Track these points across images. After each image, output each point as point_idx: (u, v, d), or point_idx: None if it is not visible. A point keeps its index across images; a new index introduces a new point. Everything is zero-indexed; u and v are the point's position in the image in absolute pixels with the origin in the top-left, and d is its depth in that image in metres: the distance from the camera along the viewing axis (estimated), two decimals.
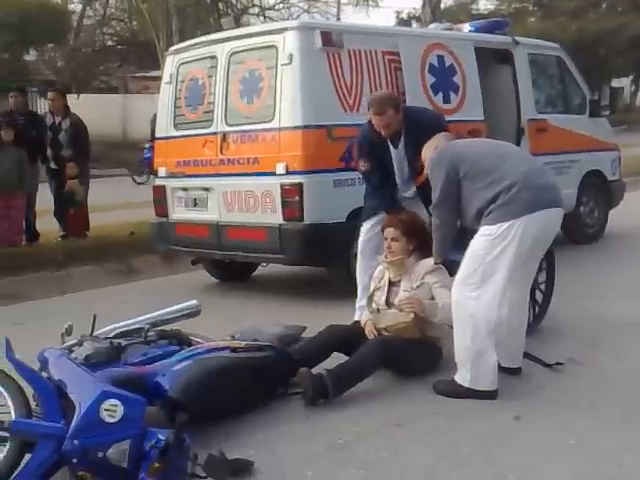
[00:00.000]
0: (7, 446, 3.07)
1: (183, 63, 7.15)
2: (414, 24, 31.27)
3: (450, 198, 4.23)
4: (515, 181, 4.02)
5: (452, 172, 4.18)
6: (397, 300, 4.53)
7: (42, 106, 11.74)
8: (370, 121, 5.27)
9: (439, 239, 4.39)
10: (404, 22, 33.92)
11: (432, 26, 8.90)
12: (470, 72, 7.26)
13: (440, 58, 7.06)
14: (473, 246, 4.09)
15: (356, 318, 5.12)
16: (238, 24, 17.21)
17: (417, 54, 6.87)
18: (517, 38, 8.12)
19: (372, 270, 5.10)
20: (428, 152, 4.49)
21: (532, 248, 4.10)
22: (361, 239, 5.47)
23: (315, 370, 4.20)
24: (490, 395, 4.09)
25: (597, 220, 8.95)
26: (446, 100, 7.03)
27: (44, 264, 8.12)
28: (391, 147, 5.29)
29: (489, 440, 3.63)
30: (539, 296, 5.30)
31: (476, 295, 4.04)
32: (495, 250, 4.00)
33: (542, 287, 5.32)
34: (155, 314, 4.47)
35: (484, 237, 4.04)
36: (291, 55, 6.13)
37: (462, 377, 4.14)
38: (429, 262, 4.51)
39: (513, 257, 4.01)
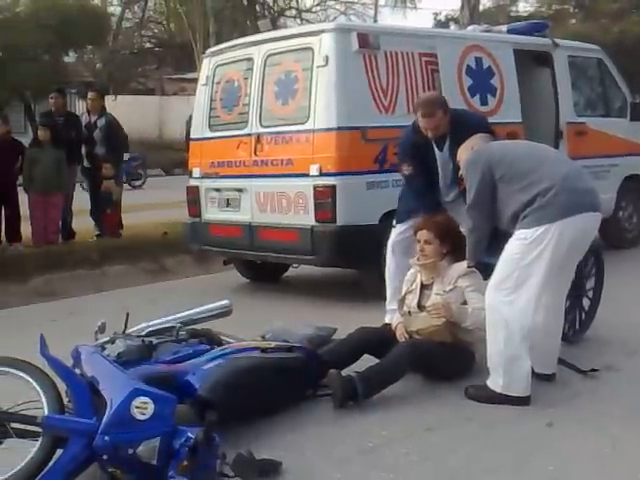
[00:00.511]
0: (40, 441, 3.10)
1: (219, 65, 7.19)
2: (452, 26, 31.06)
3: (485, 200, 4.18)
4: (553, 184, 3.96)
5: (488, 174, 4.13)
6: (429, 303, 4.49)
7: (80, 107, 11.91)
8: (414, 123, 5.18)
9: (473, 241, 4.34)
10: (442, 24, 33.71)
11: (470, 28, 8.84)
12: (508, 74, 7.20)
13: (478, 60, 7.01)
14: (508, 250, 4.04)
15: (386, 321, 5.09)
16: (275, 26, 17.29)
17: (455, 56, 6.83)
18: (557, 40, 8.03)
19: (402, 273, 5.08)
20: (464, 153, 4.44)
21: (568, 253, 4.03)
22: (392, 241, 5.44)
23: (345, 372, 4.17)
24: (523, 401, 4.03)
25: (636, 225, 8.83)
26: (483, 102, 6.98)
27: (79, 262, 8.22)
28: (436, 150, 5.18)
29: (521, 447, 3.59)
30: (586, 303, 5.22)
31: (510, 300, 3.99)
32: (531, 254, 3.94)
33: (590, 294, 5.24)
34: (186, 313, 4.49)
35: (519, 241, 3.99)
36: (327, 57, 6.13)
37: (495, 382, 4.09)
38: (462, 265, 4.46)
39: (549, 262, 3.95)
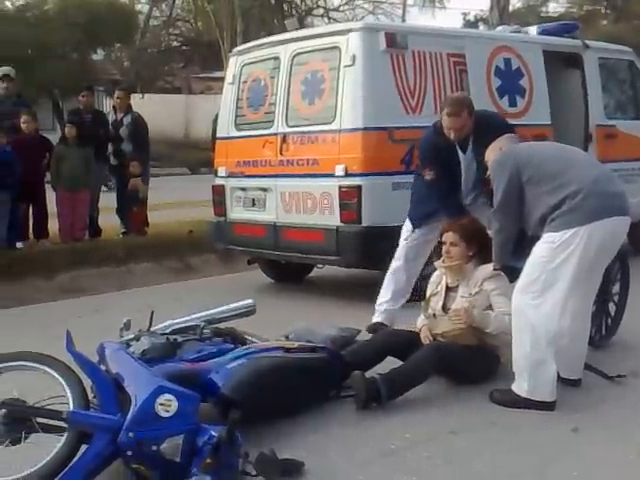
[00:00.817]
0: (65, 436, 3.12)
1: (246, 64, 7.20)
2: (481, 26, 30.90)
3: (512, 202, 4.14)
4: (581, 187, 3.91)
5: (515, 175, 4.09)
6: (454, 306, 4.47)
7: (107, 105, 12.02)
8: (436, 124, 5.13)
9: (499, 244, 4.30)
10: (471, 24, 33.53)
11: (499, 28, 8.78)
12: (537, 76, 7.15)
13: (507, 61, 6.97)
14: (535, 253, 4.01)
15: (374, 320, 5.19)
16: (302, 25, 17.29)
17: (483, 56, 6.79)
18: (587, 42, 7.96)
19: (409, 278, 5.25)
20: (492, 154, 4.41)
21: (596, 257, 3.98)
22: (406, 246, 5.44)
23: (368, 374, 4.15)
24: (548, 406, 4.00)
25: None
26: (512, 103, 6.93)
27: (105, 260, 8.27)
28: (459, 152, 5.10)
29: (546, 452, 3.56)
30: (612, 308, 5.17)
31: (537, 303, 3.96)
32: (558, 258, 3.91)
33: (615, 299, 5.19)
34: (211, 312, 4.49)
35: (547, 244, 3.95)
36: (354, 56, 6.12)
37: (520, 386, 4.06)
38: (488, 268, 4.43)
39: (576, 266, 3.91)
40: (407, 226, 5.51)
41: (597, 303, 4.69)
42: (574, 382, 4.32)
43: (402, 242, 5.50)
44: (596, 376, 4.45)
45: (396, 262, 5.48)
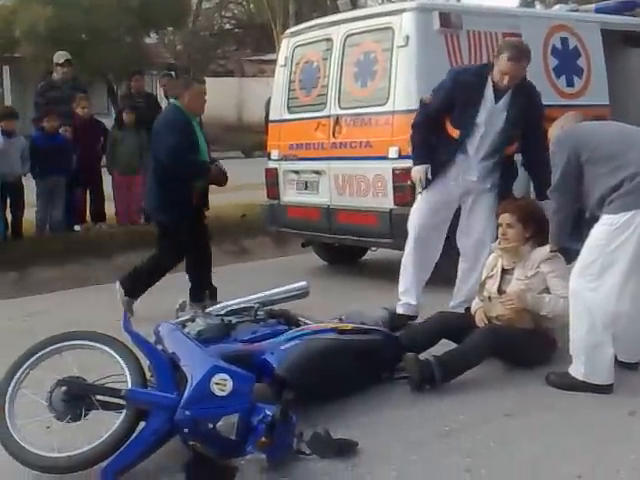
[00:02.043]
0: (123, 413, 3.19)
1: (298, 46, 7.19)
2: (537, 5, 30.30)
3: (570, 182, 4.06)
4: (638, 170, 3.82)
5: (573, 156, 4.02)
6: (509, 289, 4.42)
7: (161, 89, 12.22)
8: (476, 68, 5.13)
9: (555, 225, 4.24)
10: (527, 3, 32.88)
11: (556, 7, 8.58)
12: (595, 55, 6.99)
13: (564, 40, 6.83)
14: (593, 235, 3.94)
15: (400, 312, 5.10)
16: (355, 6, 17.14)
17: (540, 36, 6.66)
18: None
19: (425, 266, 5.16)
20: (554, 131, 4.33)
21: None
22: (419, 222, 5.22)
23: (422, 356, 4.15)
24: (605, 389, 3.94)
25: None
26: (569, 83, 6.80)
27: None
28: (489, 100, 4.97)
29: (602, 435, 3.52)
30: None
31: (594, 286, 3.90)
32: (616, 241, 3.83)
33: None
34: (265, 294, 4.54)
35: (605, 226, 3.88)
36: (407, 37, 6.06)
37: (576, 370, 4.01)
38: (545, 250, 4.37)
39: (634, 249, 3.84)
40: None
41: None
42: (632, 365, 4.26)
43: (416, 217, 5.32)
44: None
45: (412, 247, 5.30)
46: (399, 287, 5.31)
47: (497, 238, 4.60)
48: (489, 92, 4.99)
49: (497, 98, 5.01)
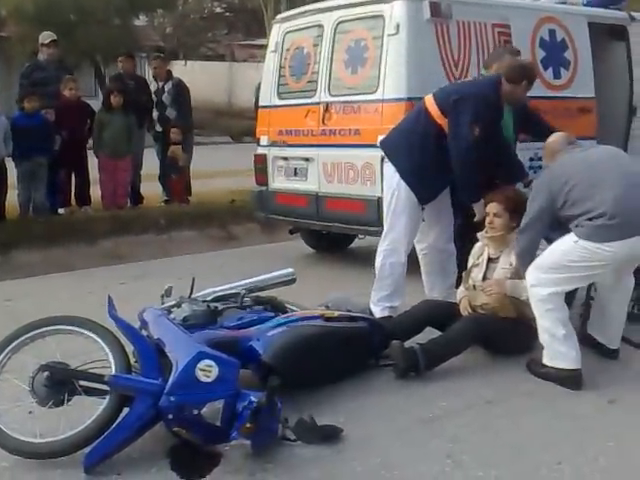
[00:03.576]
0: (107, 399, 3.20)
1: (289, 32, 7.16)
2: None
3: (539, 228, 4.14)
4: (605, 211, 3.81)
5: (549, 206, 4.05)
6: (493, 277, 4.47)
7: (150, 72, 12.02)
8: (496, 82, 4.92)
9: (520, 261, 4.27)
10: None
11: None
12: (582, 48, 6.99)
13: (552, 32, 6.82)
14: (560, 243, 3.98)
15: (380, 315, 4.88)
16: None
17: (528, 27, 6.66)
18: (633, 14, 7.76)
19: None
20: (545, 157, 4.47)
21: (622, 266, 4.04)
22: (406, 224, 5.03)
23: (407, 344, 4.18)
24: (574, 375, 3.97)
25: None
26: (556, 75, 6.80)
27: (147, 227, 8.35)
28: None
29: (582, 422, 3.58)
30: None
31: (553, 281, 3.96)
32: (580, 262, 3.88)
33: None
34: (251, 280, 4.54)
35: (573, 242, 3.89)
36: (398, 25, 6.03)
37: (545, 356, 4.09)
38: None
39: (598, 274, 3.99)
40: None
41: (636, 275, 4.63)
42: (612, 353, 4.35)
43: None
44: (634, 349, 4.46)
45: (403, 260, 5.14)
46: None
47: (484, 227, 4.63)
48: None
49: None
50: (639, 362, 4.34)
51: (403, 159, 5.02)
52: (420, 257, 5.28)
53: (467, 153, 4.78)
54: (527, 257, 4.19)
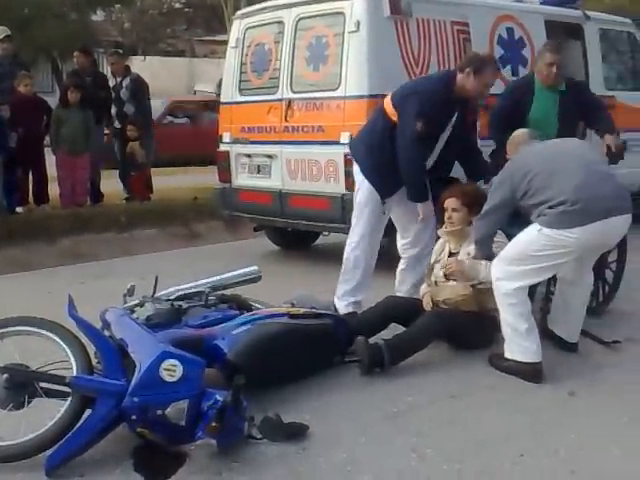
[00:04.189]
0: (68, 401, 3.15)
1: (250, 28, 7.13)
2: None
3: (499, 214, 4.20)
4: (566, 198, 3.86)
5: (510, 197, 4.10)
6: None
7: (108, 67, 11.84)
8: (449, 77, 4.90)
9: (478, 244, 4.34)
10: None
11: None
12: (539, 45, 7.07)
13: (510, 30, 6.91)
14: (524, 234, 4.03)
15: (345, 311, 4.91)
16: None
17: (486, 25, 6.74)
18: (588, 12, 7.89)
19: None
20: (513, 151, 4.46)
21: (585, 255, 4.12)
22: (369, 218, 5.03)
23: (372, 340, 4.21)
24: (535, 368, 4.03)
25: None
26: (514, 73, 6.88)
27: (108, 225, 8.25)
28: (456, 115, 4.90)
29: (544, 415, 3.63)
30: (609, 276, 5.21)
31: (517, 275, 4.00)
32: (545, 251, 3.92)
33: (613, 267, 5.22)
34: (216, 278, 4.51)
35: (537, 232, 3.94)
36: (358, 22, 6.05)
37: (506, 350, 4.13)
38: None
39: (562, 263, 4.03)
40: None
41: (594, 270, 4.71)
42: (571, 346, 4.41)
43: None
44: (593, 342, 4.54)
45: (372, 247, 5.17)
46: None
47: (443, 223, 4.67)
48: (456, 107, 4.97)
49: (461, 110, 5.03)
50: (598, 355, 4.41)
51: (364, 158, 5.04)
52: (400, 252, 5.28)
53: (409, 148, 4.77)
54: (485, 243, 4.26)
